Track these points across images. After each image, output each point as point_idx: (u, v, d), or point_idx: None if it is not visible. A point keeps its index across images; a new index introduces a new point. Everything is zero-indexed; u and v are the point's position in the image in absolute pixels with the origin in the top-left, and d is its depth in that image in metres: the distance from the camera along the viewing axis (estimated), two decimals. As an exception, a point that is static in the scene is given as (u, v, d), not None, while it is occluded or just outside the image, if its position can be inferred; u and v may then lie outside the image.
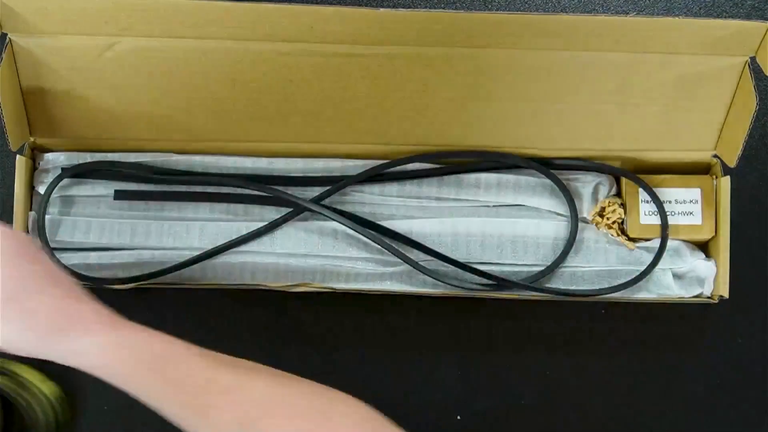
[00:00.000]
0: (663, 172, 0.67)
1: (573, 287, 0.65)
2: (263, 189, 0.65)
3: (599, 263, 0.65)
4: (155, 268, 0.63)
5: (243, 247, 0.64)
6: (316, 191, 0.66)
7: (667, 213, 0.65)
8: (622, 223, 0.66)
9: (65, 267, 0.62)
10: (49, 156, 0.66)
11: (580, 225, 0.66)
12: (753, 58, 0.61)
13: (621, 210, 0.66)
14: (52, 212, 0.65)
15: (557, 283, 0.65)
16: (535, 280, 0.64)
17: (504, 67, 0.62)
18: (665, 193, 0.66)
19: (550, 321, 0.68)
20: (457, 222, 0.65)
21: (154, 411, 0.46)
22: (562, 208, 0.66)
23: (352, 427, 0.44)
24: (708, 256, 0.66)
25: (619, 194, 0.68)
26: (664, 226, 0.65)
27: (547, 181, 0.66)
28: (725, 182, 0.65)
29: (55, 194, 0.65)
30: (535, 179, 0.67)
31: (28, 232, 0.64)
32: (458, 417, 0.67)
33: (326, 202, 0.65)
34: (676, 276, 0.66)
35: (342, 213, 0.65)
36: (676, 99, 0.64)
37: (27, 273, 0.48)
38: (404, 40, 0.60)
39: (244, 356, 0.67)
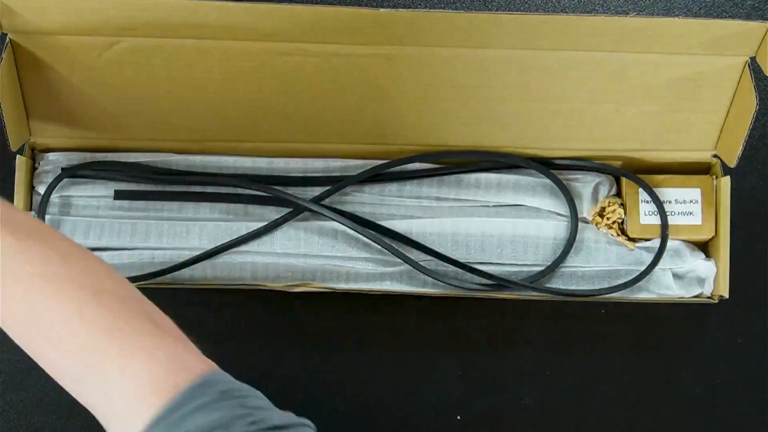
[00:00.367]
0: (663, 172, 0.67)
1: (573, 287, 0.65)
2: (263, 189, 0.65)
3: (599, 263, 0.65)
4: (155, 268, 0.63)
5: (243, 247, 0.64)
6: (316, 191, 0.66)
7: (667, 213, 0.65)
8: (622, 223, 0.66)
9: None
10: (49, 156, 0.66)
11: (580, 225, 0.66)
12: (753, 58, 0.61)
13: (621, 210, 0.66)
14: (52, 212, 0.65)
15: (557, 283, 0.65)
16: (535, 280, 0.64)
17: (504, 67, 0.62)
18: (665, 193, 0.66)
19: (551, 321, 0.68)
20: (457, 222, 0.65)
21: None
22: (562, 208, 0.66)
23: None
24: (708, 256, 0.66)
25: (619, 194, 0.68)
26: (664, 226, 0.65)
27: (547, 181, 0.66)
28: (725, 182, 0.65)
29: (54, 194, 0.65)
30: (535, 179, 0.67)
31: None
32: (458, 417, 0.67)
33: (326, 202, 0.65)
34: (676, 276, 0.66)
35: (342, 213, 0.65)
36: (676, 99, 0.64)
37: None
38: (404, 40, 0.60)
39: (244, 356, 0.67)
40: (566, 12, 0.72)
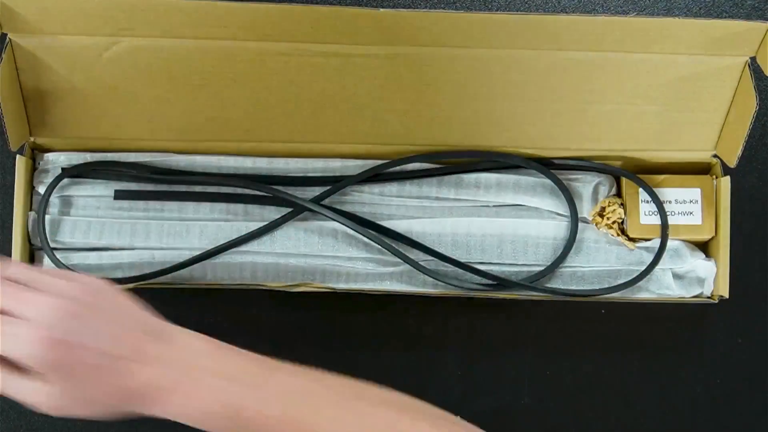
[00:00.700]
0: (663, 172, 0.67)
1: (573, 287, 0.65)
2: (263, 189, 0.65)
3: (599, 263, 0.65)
4: (155, 268, 0.63)
5: (243, 247, 0.64)
6: (316, 191, 0.66)
7: (667, 213, 0.65)
8: (622, 223, 0.66)
9: (66, 267, 0.62)
10: (49, 156, 0.66)
11: (580, 225, 0.66)
12: (753, 58, 0.61)
13: (621, 210, 0.66)
14: (52, 212, 0.65)
15: (557, 283, 0.65)
16: (535, 280, 0.64)
17: (504, 67, 0.62)
18: (665, 193, 0.66)
19: (550, 321, 0.69)
20: (457, 222, 0.65)
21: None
22: (562, 208, 0.66)
23: None
24: (708, 256, 0.66)
25: (619, 194, 0.68)
26: (664, 226, 0.65)
27: (547, 181, 0.66)
28: (725, 182, 0.65)
29: (55, 194, 0.65)
30: (535, 179, 0.67)
31: (28, 232, 0.64)
32: (458, 417, 0.67)
33: (326, 202, 0.65)
34: (676, 276, 0.66)
35: (342, 213, 0.65)
36: (676, 99, 0.64)
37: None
38: (404, 40, 0.60)
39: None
40: (566, 12, 0.72)
